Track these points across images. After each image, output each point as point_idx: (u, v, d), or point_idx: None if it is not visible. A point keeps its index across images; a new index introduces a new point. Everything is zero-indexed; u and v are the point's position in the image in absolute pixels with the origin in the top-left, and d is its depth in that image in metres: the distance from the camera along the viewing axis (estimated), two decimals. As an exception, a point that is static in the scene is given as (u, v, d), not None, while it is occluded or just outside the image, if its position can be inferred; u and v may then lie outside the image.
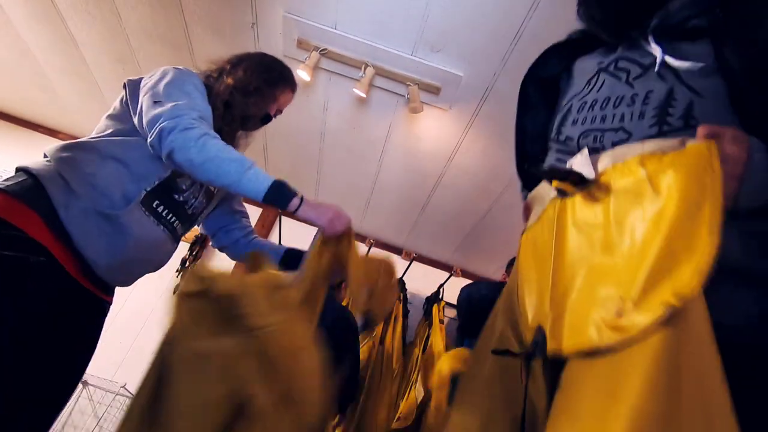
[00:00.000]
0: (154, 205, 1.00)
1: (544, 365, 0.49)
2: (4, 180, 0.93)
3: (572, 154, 0.58)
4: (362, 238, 3.32)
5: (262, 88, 1.18)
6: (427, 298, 3.04)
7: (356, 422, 2.32)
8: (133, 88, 1.04)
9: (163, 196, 1.02)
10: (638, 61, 0.60)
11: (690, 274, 0.37)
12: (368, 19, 1.74)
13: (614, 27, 0.68)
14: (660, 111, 0.54)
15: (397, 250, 3.34)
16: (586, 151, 0.54)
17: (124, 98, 1.05)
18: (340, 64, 1.95)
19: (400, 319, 2.83)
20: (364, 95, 1.98)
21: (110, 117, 1.08)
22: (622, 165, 0.48)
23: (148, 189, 0.98)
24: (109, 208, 0.91)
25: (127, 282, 1.04)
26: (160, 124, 0.90)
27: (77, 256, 0.88)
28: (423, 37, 1.76)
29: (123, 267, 0.97)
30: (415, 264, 3.16)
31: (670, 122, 0.53)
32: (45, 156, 1.01)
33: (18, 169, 0.97)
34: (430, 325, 2.75)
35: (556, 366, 0.48)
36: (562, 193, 0.56)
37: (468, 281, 3.31)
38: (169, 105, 0.93)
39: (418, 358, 2.65)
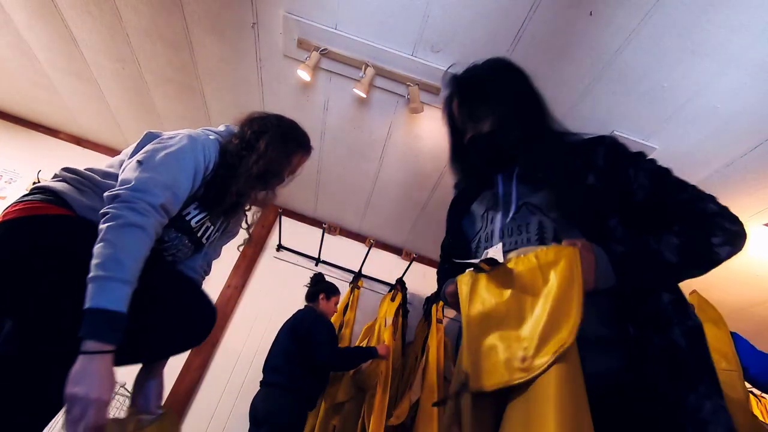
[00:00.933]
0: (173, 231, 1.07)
1: (472, 401, 0.69)
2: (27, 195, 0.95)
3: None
4: (362, 238, 3.32)
5: (281, 161, 1.22)
6: (427, 298, 3.05)
7: (360, 420, 2.33)
8: (148, 139, 1.06)
9: (180, 224, 1.07)
10: (509, 201, 0.88)
11: (567, 333, 0.60)
12: (369, 19, 1.74)
13: (484, 173, 0.99)
14: (539, 236, 0.81)
15: (397, 250, 3.35)
16: (500, 245, 0.81)
17: (137, 144, 1.07)
18: (341, 64, 1.95)
19: (400, 318, 2.83)
20: (364, 95, 1.98)
21: (121, 157, 1.10)
22: (523, 257, 0.71)
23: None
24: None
25: None
26: (124, 188, 0.89)
27: None
28: (423, 37, 1.76)
29: None
30: (415, 264, 3.16)
31: (545, 242, 0.79)
32: (57, 176, 1.01)
33: (37, 189, 0.97)
34: (430, 325, 2.75)
35: (480, 402, 0.68)
36: (478, 270, 0.78)
37: (468, 281, 3.31)
38: (146, 175, 0.92)
39: (417, 357, 2.65)
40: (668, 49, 1.56)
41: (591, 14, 1.53)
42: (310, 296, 2.50)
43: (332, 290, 2.52)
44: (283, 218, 3.12)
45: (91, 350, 0.74)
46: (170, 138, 1.04)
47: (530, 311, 0.66)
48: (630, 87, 1.73)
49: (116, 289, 0.78)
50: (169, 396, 2.52)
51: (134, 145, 1.07)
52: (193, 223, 1.10)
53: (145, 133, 1.08)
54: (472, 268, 0.80)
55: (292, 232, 3.19)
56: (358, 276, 3.11)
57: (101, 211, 0.86)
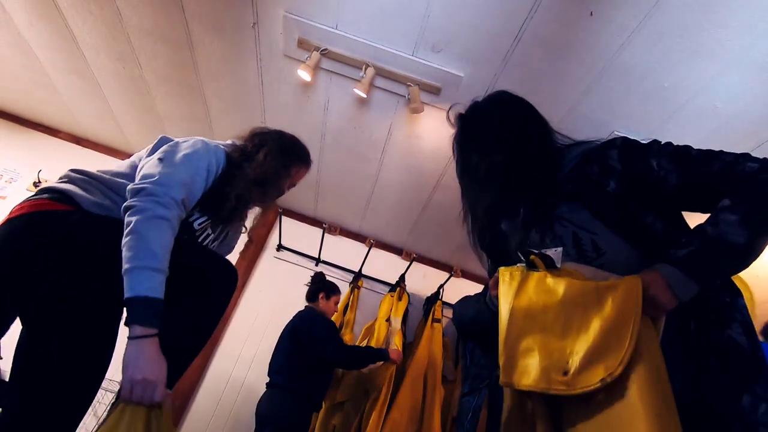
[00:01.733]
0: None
1: (511, 393, 0.77)
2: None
3: None
4: (362, 238, 3.32)
5: (279, 172, 1.26)
6: (427, 298, 3.05)
7: (358, 419, 2.33)
8: (163, 141, 1.12)
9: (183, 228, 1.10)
10: (534, 218, 0.88)
11: (617, 361, 0.60)
12: (369, 19, 1.74)
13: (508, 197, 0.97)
14: (577, 248, 0.80)
15: (397, 250, 3.35)
16: (560, 249, 0.78)
17: (152, 147, 1.11)
18: (341, 64, 1.95)
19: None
20: (364, 95, 1.98)
21: (132, 159, 1.14)
22: (580, 272, 0.73)
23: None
24: None
25: None
26: (148, 182, 0.94)
27: None
28: (424, 37, 1.76)
29: None
30: (415, 264, 3.16)
31: (587, 254, 0.79)
32: (65, 178, 1.05)
33: (44, 190, 1.01)
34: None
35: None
36: (531, 266, 0.79)
37: (468, 281, 3.31)
38: (168, 171, 0.98)
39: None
40: (669, 49, 1.56)
41: (591, 14, 1.53)
42: (310, 296, 2.50)
43: (332, 289, 2.52)
44: (284, 218, 3.12)
45: (139, 335, 0.81)
46: (185, 141, 1.10)
47: (579, 327, 0.66)
48: (630, 87, 1.73)
49: (152, 278, 0.84)
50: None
51: (148, 147, 1.12)
52: (195, 225, 1.13)
53: (159, 137, 1.14)
54: (523, 264, 0.80)
55: (292, 232, 3.19)
56: (358, 276, 3.11)
57: (125, 204, 0.91)
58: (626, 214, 0.78)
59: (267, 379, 2.20)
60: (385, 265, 3.22)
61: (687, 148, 0.79)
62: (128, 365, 0.80)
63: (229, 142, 1.26)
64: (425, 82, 1.92)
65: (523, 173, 0.90)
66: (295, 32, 1.86)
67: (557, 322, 0.69)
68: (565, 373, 0.64)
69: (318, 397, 2.19)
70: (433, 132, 2.21)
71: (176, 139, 1.12)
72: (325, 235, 3.07)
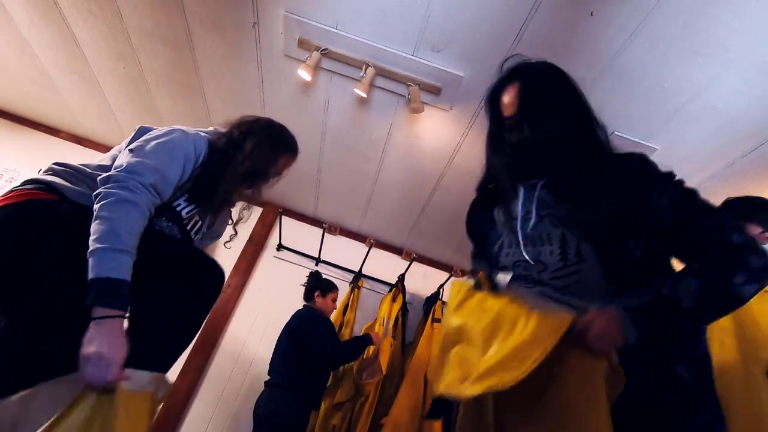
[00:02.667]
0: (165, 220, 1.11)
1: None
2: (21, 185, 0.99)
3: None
4: (362, 238, 3.32)
5: (267, 162, 1.26)
6: (427, 298, 3.05)
7: (355, 418, 2.33)
8: (140, 132, 1.12)
9: (169, 214, 1.11)
10: (533, 211, 0.87)
11: (510, 378, 0.63)
12: (369, 19, 1.74)
13: (509, 182, 0.96)
14: (561, 250, 0.80)
15: (397, 250, 3.35)
16: (509, 276, 0.84)
17: (130, 138, 1.12)
18: (341, 63, 1.95)
19: (400, 318, 2.84)
20: (365, 95, 1.98)
21: (113, 151, 1.15)
22: (522, 299, 0.75)
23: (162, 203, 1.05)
24: None
25: None
26: (117, 171, 0.94)
27: None
28: (424, 37, 1.76)
29: None
30: (415, 264, 3.16)
31: (568, 258, 0.79)
32: (48, 171, 1.05)
33: (28, 181, 1.01)
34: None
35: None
36: (477, 286, 0.85)
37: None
38: (136, 160, 0.97)
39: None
40: (669, 49, 1.56)
41: (592, 14, 1.53)
42: (307, 295, 2.51)
43: (328, 287, 2.52)
44: (284, 218, 3.12)
45: (100, 315, 0.81)
46: (160, 131, 1.11)
47: (497, 344, 0.71)
48: (631, 87, 1.73)
49: (114, 259, 0.84)
50: (169, 396, 2.52)
51: (127, 139, 1.12)
52: (183, 213, 1.14)
53: (137, 127, 1.13)
54: (472, 280, 0.86)
55: (292, 232, 3.19)
56: (358, 276, 3.11)
57: (95, 192, 0.91)
58: (613, 233, 0.78)
59: (267, 379, 2.20)
60: (385, 265, 3.22)
61: (693, 195, 0.79)
62: (85, 343, 0.79)
63: (211, 129, 1.25)
64: (425, 82, 1.92)
65: (550, 159, 0.86)
66: (296, 32, 1.86)
67: (482, 337, 0.74)
68: (463, 381, 0.70)
69: (317, 396, 2.20)
70: (434, 132, 2.21)
71: (153, 129, 1.12)
72: (325, 235, 3.07)
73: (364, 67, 1.92)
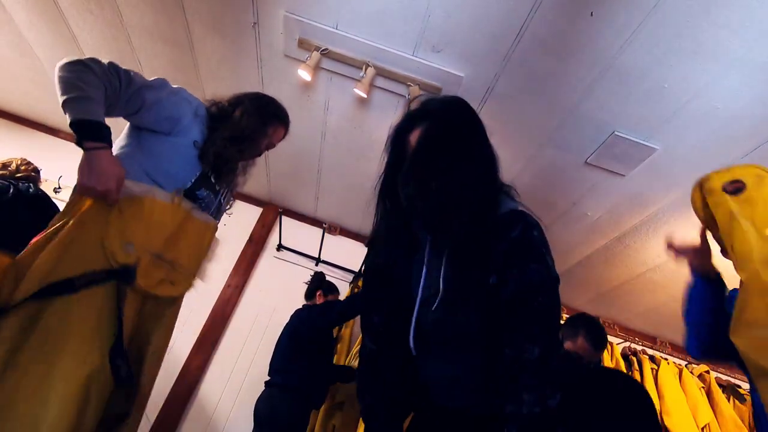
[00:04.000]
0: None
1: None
2: None
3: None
4: (362, 238, 3.32)
5: (255, 129, 1.29)
6: (427, 299, 3.04)
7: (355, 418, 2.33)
8: None
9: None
10: (438, 278, 0.83)
11: None
12: (369, 19, 1.74)
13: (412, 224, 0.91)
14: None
15: (397, 250, 3.34)
16: None
17: None
18: (341, 64, 1.95)
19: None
20: (365, 95, 1.98)
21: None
22: None
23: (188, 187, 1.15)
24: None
25: None
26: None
27: None
28: (424, 37, 1.76)
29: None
30: (415, 264, 3.15)
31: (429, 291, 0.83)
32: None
33: None
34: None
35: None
36: None
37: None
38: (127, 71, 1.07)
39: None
40: (669, 49, 1.56)
41: (592, 15, 1.53)
42: (309, 294, 2.51)
43: (330, 289, 2.52)
44: (284, 218, 3.12)
45: (90, 147, 0.92)
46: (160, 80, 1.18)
47: None
48: (631, 87, 1.73)
49: (85, 104, 0.95)
50: (169, 396, 2.52)
51: None
52: (199, 195, 1.19)
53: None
54: None
55: (292, 232, 3.19)
56: (358, 276, 3.10)
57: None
58: (481, 301, 0.77)
59: (266, 379, 2.20)
60: (385, 265, 3.21)
61: (536, 294, 0.74)
62: (80, 172, 0.92)
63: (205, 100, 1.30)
64: (425, 82, 1.92)
65: (466, 210, 0.80)
66: (296, 32, 1.86)
67: None
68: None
69: (317, 396, 2.19)
70: (434, 132, 2.20)
71: None
72: (325, 234, 3.07)
73: (364, 67, 1.92)
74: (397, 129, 0.90)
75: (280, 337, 2.32)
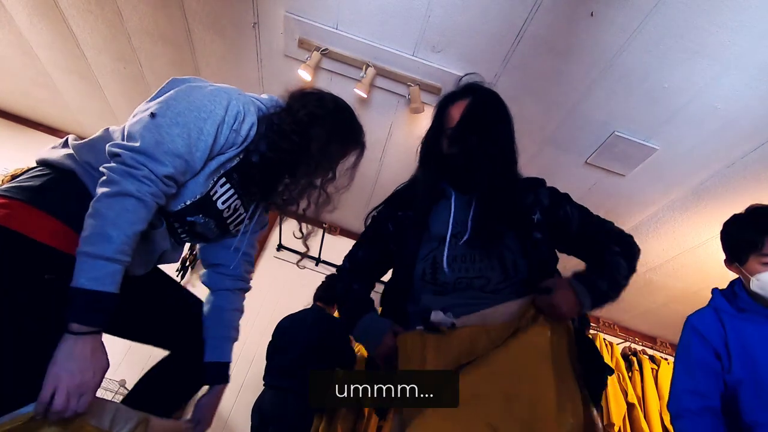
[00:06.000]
0: (173, 223, 0.93)
1: None
2: (30, 185, 0.79)
3: (448, 292, 0.89)
4: (362, 238, 3.32)
5: (337, 157, 1.09)
6: (427, 299, 3.04)
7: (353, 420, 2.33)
8: (170, 85, 0.89)
9: (181, 219, 0.92)
10: (466, 229, 0.93)
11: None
12: (370, 19, 1.74)
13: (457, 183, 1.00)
14: (501, 265, 0.88)
15: (398, 250, 3.34)
16: (440, 313, 0.84)
17: (157, 92, 0.90)
18: (342, 64, 1.95)
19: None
20: (365, 95, 1.98)
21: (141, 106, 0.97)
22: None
23: (176, 210, 0.89)
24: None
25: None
26: (126, 148, 0.76)
27: None
28: (424, 37, 1.76)
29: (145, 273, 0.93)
30: (415, 264, 3.15)
31: (509, 273, 0.88)
32: (69, 149, 0.86)
33: (42, 163, 0.84)
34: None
35: None
36: (432, 330, 0.84)
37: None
38: (155, 138, 0.77)
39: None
40: (669, 49, 1.56)
41: (592, 15, 1.53)
42: (328, 300, 2.40)
43: None
44: (284, 218, 3.12)
45: (75, 331, 0.68)
46: (198, 88, 0.86)
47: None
48: (631, 87, 1.73)
49: (102, 267, 0.70)
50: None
51: (156, 93, 0.90)
52: (219, 203, 0.93)
53: (170, 79, 0.91)
54: (422, 328, 0.84)
55: (292, 232, 3.19)
56: (358, 276, 3.10)
57: (101, 167, 0.75)
58: (538, 242, 0.91)
59: (268, 379, 2.19)
60: (385, 265, 3.21)
61: (587, 210, 0.99)
62: (55, 362, 0.67)
63: (266, 96, 1.01)
64: (426, 82, 1.92)
65: (486, 173, 0.94)
66: (296, 32, 1.86)
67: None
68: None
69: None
70: (434, 132, 2.20)
71: (190, 82, 0.89)
72: (325, 235, 3.07)
73: (364, 68, 1.92)
74: (442, 102, 1.03)
75: (287, 337, 2.23)
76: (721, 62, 1.55)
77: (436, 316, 0.83)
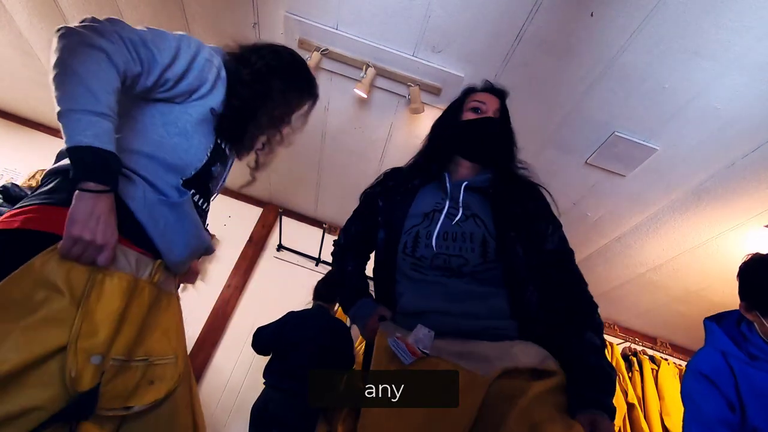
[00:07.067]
0: (192, 195, 0.92)
1: None
2: (44, 191, 0.77)
3: (424, 267, 0.92)
4: (362, 238, 3.32)
5: (294, 108, 1.12)
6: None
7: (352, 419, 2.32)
8: None
9: (200, 185, 0.93)
10: (458, 210, 0.96)
11: None
12: (370, 19, 1.74)
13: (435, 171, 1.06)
14: (482, 249, 0.90)
15: (398, 251, 3.34)
16: (432, 334, 0.82)
17: None
18: (342, 64, 1.95)
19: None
20: (365, 96, 1.98)
21: None
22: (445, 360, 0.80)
23: (185, 179, 0.88)
24: (165, 197, 0.82)
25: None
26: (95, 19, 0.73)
27: (146, 248, 0.81)
28: (424, 37, 1.76)
29: (186, 261, 0.91)
30: (415, 264, 3.15)
31: (488, 258, 0.90)
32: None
33: (50, 174, 0.81)
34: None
35: None
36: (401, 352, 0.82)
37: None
38: (117, 24, 0.76)
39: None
40: (669, 50, 1.56)
41: (592, 15, 1.53)
42: (329, 297, 2.41)
43: None
44: (284, 218, 3.12)
45: (92, 189, 0.66)
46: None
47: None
48: (631, 88, 1.73)
49: (96, 124, 0.67)
50: (169, 395, 2.52)
51: None
52: (213, 171, 0.96)
53: None
54: (393, 341, 0.82)
55: (292, 232, 3.19)
56: (358, 276, 3.10)
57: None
58: (524, 242, 0.92)
59: (270, 379, 2.17)
60: (385, 266, 3.21)
61: (568, 249, 0.98)
62: (74, 220, 0.65)
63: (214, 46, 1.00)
64: (426, 83, 1.92)
65: (505, 164, 1.08)
66: (296, 32, 1.86)
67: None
68: None
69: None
70: (434, 132, 2.20)
71: None
72: (326, 235, 3.07)
73: (364, 68, 1.92)
74: (471, 87, 1.16)
75: (293, 340, 2.18)
76: (721, 62, 1.55)
77: (417, 333, 0.81)
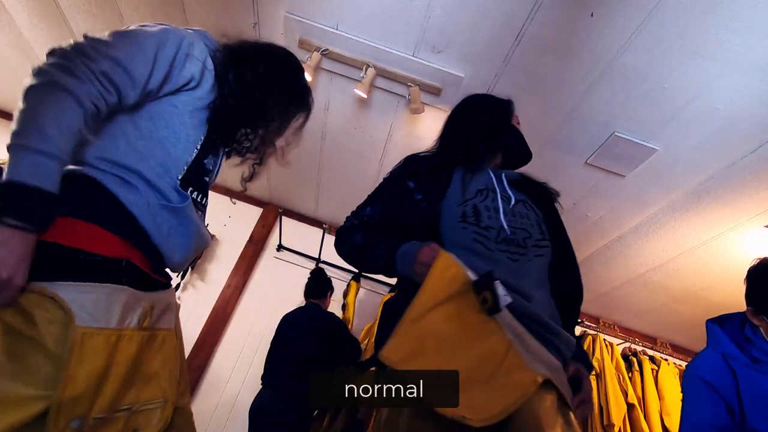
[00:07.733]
0: (190, 193, 0.90)
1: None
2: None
3: (488, 239, 0.91)
4: (362, 239, 3.32)
5: (290, 119, 1.10)
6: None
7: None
8: None
9: (196, 181, 0.91)
10: (508, 193, 1.04)
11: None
12: (370, 19, 1.74)
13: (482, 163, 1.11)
14: (538, 227, 0.99)
15: (398, 251, 3.34)
16: (507, 296, 0.76)
17: None
18: (342, 64, 1.95)
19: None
20: (365, 96, 1.98)
21: None
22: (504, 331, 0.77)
23: (180, 177, 0.86)
24: (167, 201, 0.82)
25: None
26: (67, 46, 0.73)
27: (150, 252, 0.80)
28: (424, 37, 1.76)
29: (187, 260, 0.91)
30: (415, 264, 3.15)
31: (544, 234, 0.99)
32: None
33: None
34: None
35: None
36: (478, 290, 0.77)
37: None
38: (93, 43, 0.74)
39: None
40: (669, 50, 1.56)
41: (592, 15, 1.53)
42: (318, 293, 2.45)
43: (331, 286, 2.58)
44: (284, 218, 3.12)
45: (12, 225, 0.62)
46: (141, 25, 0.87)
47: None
48: (631, 88, 1.73)
49: (38, 163, 0.65)
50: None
51: None
52: (207, 164, 0.96)
53: None
54: (475, 280, 0.76)
55: (292, 232, 3.19)
56: (358, 276, 3.11)
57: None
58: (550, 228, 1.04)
59: (267, 378, 2.18)
60: (385, 266, 3.21)
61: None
62: None
63: (201, 32, 0.99)
64: (426, 83, 1.92)
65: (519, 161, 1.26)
66: (296, 32, 1.86)
67: (467, 371, 0.71)
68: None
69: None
70: (434, 133, 2.19)
71: None
72: (326, 235, 3.07)
73: (364, 68, 1.92)
74: (510, 105, 1.23)
75: (289, 338, 2.21)
76: (721, 63, 1.55)
77: (502, 288, 0.73)
